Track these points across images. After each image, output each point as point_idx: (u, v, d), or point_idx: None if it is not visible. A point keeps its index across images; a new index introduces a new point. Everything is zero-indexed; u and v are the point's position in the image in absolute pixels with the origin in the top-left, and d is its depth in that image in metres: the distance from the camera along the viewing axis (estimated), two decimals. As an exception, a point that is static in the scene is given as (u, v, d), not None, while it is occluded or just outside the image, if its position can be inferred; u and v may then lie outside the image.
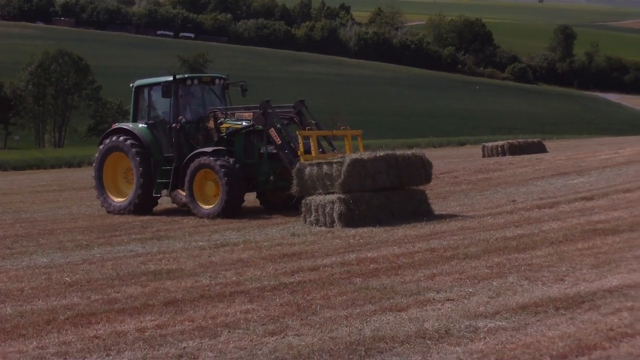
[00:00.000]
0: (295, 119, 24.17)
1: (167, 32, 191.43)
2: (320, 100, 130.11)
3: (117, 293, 13.83)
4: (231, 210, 23.12)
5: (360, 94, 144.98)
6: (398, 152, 21.77)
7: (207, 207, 23.47)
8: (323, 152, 23.37)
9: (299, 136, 22.51)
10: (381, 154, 21.27)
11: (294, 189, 21.45)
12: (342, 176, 20.32)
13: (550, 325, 10.57)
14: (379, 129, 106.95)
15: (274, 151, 23.34)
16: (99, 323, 11.92)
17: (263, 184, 23.97)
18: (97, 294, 13.85)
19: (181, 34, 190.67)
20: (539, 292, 12.32)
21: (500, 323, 10.77)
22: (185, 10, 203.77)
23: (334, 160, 20.90)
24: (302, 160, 21.82)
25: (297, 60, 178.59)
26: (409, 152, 21.91)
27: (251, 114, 23.88)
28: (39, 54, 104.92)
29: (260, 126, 23.62)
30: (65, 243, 19.76)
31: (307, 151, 22.28)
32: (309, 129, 23.19)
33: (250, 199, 25.10)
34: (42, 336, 11.39)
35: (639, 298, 11.60)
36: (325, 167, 20.84)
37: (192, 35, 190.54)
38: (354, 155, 20.93)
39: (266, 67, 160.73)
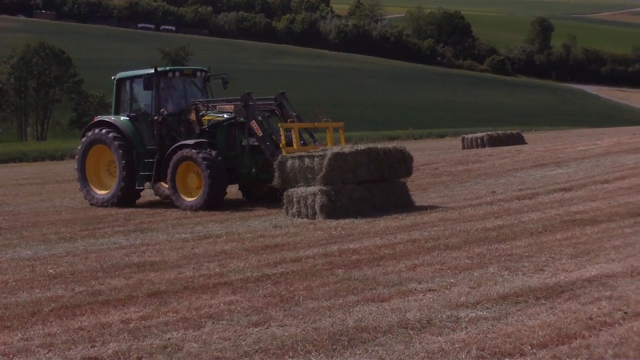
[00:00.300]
0: (277, 111, 24.24)
1: (148, 25, 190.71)
2: (301, 92, 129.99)
3: (101, 285, 13.88)
4: (213, 202, 23.18)
5: (340, 87, 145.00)
6: (379, 145, 21.88)
7: (190, 199, 23.52)
8: (305, 144, 23.46)
9: (280, 128, 22.60)
10: (362, 147, 21.37)
11: (276, 181, 21.53)
12: (324, 170, 20.41)
13: (530, 314, 10.70)
14: (359, 121, 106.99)
15: (256, 143, 23.41)
16: (83, 315, 11.97)
17: (245, 176, 24.04)
18: (81, 286, 13.90)
19: (162, 27, 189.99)
20: (519, 282, 12.46)
21: (482, 313, 10.90)
22: (166, 3, 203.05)
23: (316, 153, 20.99)
24: (284, 153, 21.92)
25: (277, 52, 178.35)
26: (390, 145, 22.02)
27: (232, 106, 23.92)
28: (20, 47, 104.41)
29: (241, 118, 23.68)
30: (49, 235, 19.77)
31: (289, 143, 22.37)
32: (290, 121, 23.26)
33: (232, 191, 25.17)
34: (27, 328, 11.43)
35: (617, 287, 11.76)
36: (307, 160, 20.93)
37: (173, 28, 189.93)
38: (336, 149, 21.02)
39: (247, 60, 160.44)
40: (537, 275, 12.89)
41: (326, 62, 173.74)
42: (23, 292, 13.64)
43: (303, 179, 20.96)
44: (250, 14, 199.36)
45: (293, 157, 21.28)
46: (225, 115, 24.19)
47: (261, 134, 22.95)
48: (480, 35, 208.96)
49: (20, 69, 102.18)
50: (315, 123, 24.81)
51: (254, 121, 23.07)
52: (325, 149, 21.45)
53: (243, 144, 23.84)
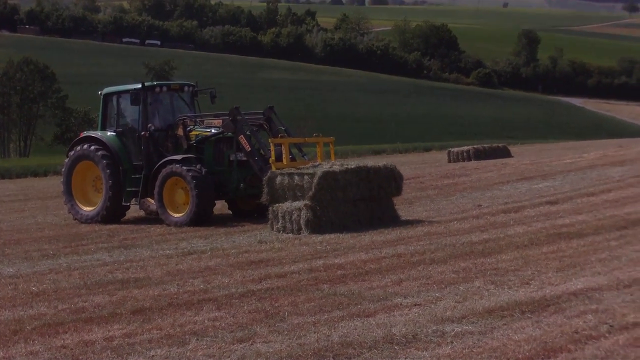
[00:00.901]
0: (265, 126, 24.19)
1: (133, 40, 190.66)
2: (287, 106, 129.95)
3: (85, 302, 13.80)
4: (201, 218, 23.08)
5: (326, 100, 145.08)
6: (369, 164, 21.85)
7: (177, 215, 23.39)
8: (293, 158, 23.40)
9: (270, 144, 22.54)
10: (352, 166, 21.32)
11: (264, 197, 21.43)
12: (313, 189, 20.31)
13: (516, 328, 10.68)
14: (346, 135, 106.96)
15: (244, 158, 23.34)
16: (66, 332, 11.90)
17: (233, 191, 23.93)
18: (64, 303, 13.82)
19: (147, 41, 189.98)
20: (505, 296, 12.44)
21: (467, 327, 10.87)
22: (151, 18, 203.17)
23: (306, 171, 20.89)
24: (273, 168, 21.84)
25: (263, 66, 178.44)
26: (380, 164, 21.97)
27: (220, 121, 23.84)
28: (3, 63, 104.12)
29: (229, 133, 23.59)
30: (32, 253, 19.66)
31: (279, 158, 22.26)
32: (281, 136, 23.20)
33: (217, 206, 25.08)
34: (9, 346, 11.36)
35: (603, 300, 11.74)
36: (296, 177, 20.84)
37: (159, 42, 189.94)
38: (326, 168, 20.91)
39: (233, 74, 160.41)
40: (523, 289, 12.87)
41: (312, 75, 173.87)
42: (5, 310, 13.56)
43: (292, 197, 20.86)
44: (235, 28, 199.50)
45: (282, 174, 21.17)
46: (212, 130, 24.12)
47: (249, 149, 22.88)
48: (466, 48, 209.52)
49: (4, 85, 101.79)
50: (306, 138, 24.70)
51: (242, 136, 22.99)
52: (315, 166, 21.37)
53: (231, 159, 23.75)
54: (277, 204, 20.98)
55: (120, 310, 13.02)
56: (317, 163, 22.00)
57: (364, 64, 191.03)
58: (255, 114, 24.65)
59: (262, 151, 22.94)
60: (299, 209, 20.41)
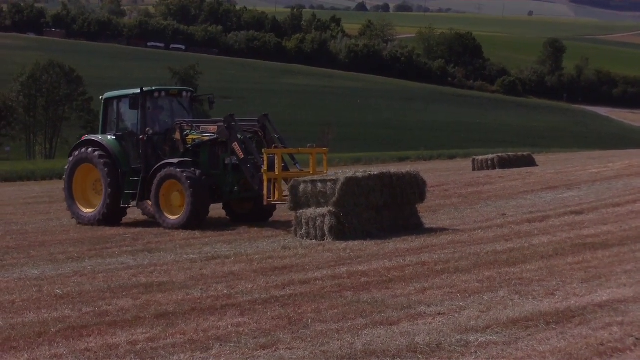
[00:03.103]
0: (260, 133, 24.41)
1: (158, 44, 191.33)
2: (311, 112, 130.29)
3: (109, 306, 13.83)
4: (196, 220, 23.43)
5: (350, 106, 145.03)
6: (393, 170, 21.83)
7: (173, 217, 23.73)
8: (286, 167, 23.63)
9: (264, 154, 22.67)
10: (376, 172, 21.33)
11: (289, 205, 21.55)
12: (337, 195, 20.33)
13: (540, 339, 10.61)
14: (369, 142, 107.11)
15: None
16: (90, 336, 11.92)
17: (227, 194, 24.33)
18: (88, 306, 13.86)
19: (172, 46, 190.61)
20: (530, 307, 12.36)
21: (491, 337, 10.81)
22: (176, 22, 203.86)
23: (328, 178, 20.96)
24: (265, 177, 22.28)
25: (287, 72, 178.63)
26: (403, 170, 21.95)
27: (215, 127, 24.09)
28: (30, 65, 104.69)
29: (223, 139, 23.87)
30: (57, 255, 19.74)
31: (271, 167, 22.45)
32: (275, 147, 23.42)
33: (218, 210, 25.18)
34: (34, 349, 11.39)
35: (629, 313, 11.65)
36: (319, 184, 20.86)
37: (183, 46, 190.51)
38: (349, 174, 20.97)
39: (257, 79, 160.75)
40: (548, 300, 12.80)
41: (336, 81, 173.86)
42: (30, 312, 13.60)
43: (315, 204, 20.87)
44: (260, 34, 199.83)
45: (305, 181, 21.27)
46: (208, 136, 24.42)
47: (242, 156, 23.22)
48: (491, 56, 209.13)
49: (30, 87, 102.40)
50: (299, 148, 24.91)
51: (235, 143, 23.34)
52: (337, 173, 21.45)
53: (226, 162, 24.12)
54: (301, 210, 20.99)
55: (144, 314, 13.04)
56: (339, 171, 22.07)
57: (388, 71, 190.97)
58: (250, 122, 24.93)
59: (255, 158, 23.10)
60: (323, 216, 20.40)
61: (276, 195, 22.51)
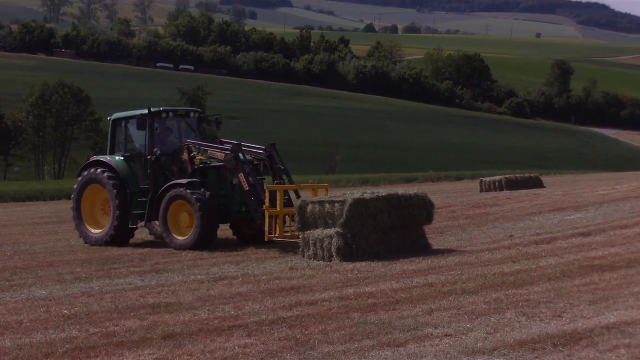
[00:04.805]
0: (266, 162, 24.43)
1: (166, 64, 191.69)
2: (319, 133, 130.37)
3: (116, 326, 13.86)
4: (205, 241, 23.49)
5: (358, 127, 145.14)
6: (400, 192, 21.86)
7: (181, 238, 23.77)
8: (289, 201, 23.71)
9: (266, 190, 22.72)
10: (383, 193, 21.38)
11: (296, 226, 21.59)
12: (344, 216, 20.38)
13: (548, 362, 10.61)
14: (377, 162, 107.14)
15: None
16: (97, 356, 11.95)
17: (235, 214, 24.34)
18: (95, 327, 13.88)
19: (181, 66, 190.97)
20: (537, 329, 12.37)
21: (498, 359, 10.81)
22: (185, 43, 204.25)
23: (336, 199, 20.99)
24: (266, 214, 22.37)
25: (295, 93, 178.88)
26: (411, 192, 21.99)
27: (223, 154, 24.05)
28: (39, 85, 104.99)
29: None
30: (64, 275, 19.78)
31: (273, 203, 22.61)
32: (277, 182, 23.52)
33: (225, 231, 25.19)
34: (41, 369, 11.41)
35: (636, 335, 11.64)
36: (327, 205, 20.92)
37: (192, 67, 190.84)
38: (357, 195, 21.01)
39: (265, 100, 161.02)
40: (555, 322, 12.79)
41: (344, 102, 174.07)
42: (37, 332, 13.63)
43: (323, 225, 20.90)
44: (268, 54, 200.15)
45: (313, 202, 21.33)
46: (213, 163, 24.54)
47: (247, 188, 23.21)
48: (499, 77, 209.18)
49: (39, 107, 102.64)
50: (302, 184, 25.01)
51: (242, 174, 23.39)
52: (345, 194, 21.50)
53: (234, 183, 24.11)
54: (309, 231, 21.01)
55: (151, 335, 13.06)
56: (348, 192, 22.08)
57: (396, 92, 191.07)
58: (257, 149, 24.87)
59: (258, 191, 23.13)
60: (330, 237, 20.43)
61: (277, 232, 22.52)
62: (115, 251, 24.13)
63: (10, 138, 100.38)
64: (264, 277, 18.29)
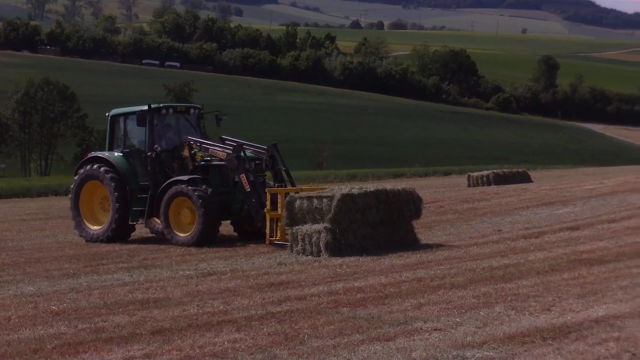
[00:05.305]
0: (268, 163, 24.31)
1: (152, 61, 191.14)
2: (306, 129, 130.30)
3: (105, 322, 13.82)
4: (207, 238, 23.36)
5: (345, 123, 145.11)
6: (388, 187, 21.85)
7: (183, 235, 23.66)
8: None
9: (267, 193, 22.65)
10: (371, 189, 21.37)
11: (284, 221, 21.55)
12: (332, 211, 20.37)
13: (537, 355, 10.62)
14: (364, 158, 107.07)
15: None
16: (86, 352, 11.91)
17: (237, 211, 24.22)
18: (84, 322, 13.84)
19: (167, 63, 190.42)
20: (526, 322, 12.38)
21: (488, 353, 10.82)
22: (170, 40, 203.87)
23: (324, 194, 20.97)
24: (267, 217, 22.24)
25: (282, 89, 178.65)
26: (399, 187, 21.99)
27: (224, 154, 23.91)
28: (24, 83, 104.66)
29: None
30: (52, 272, 19.72)
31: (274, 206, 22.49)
32: (278, 186, 23.52)
33: (225, 227, 25.15)
34: (30, 365, 11.37)
35: (625, 328, 11.66)
36: (315, 201, 20.90)
37: (178, 64, 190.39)
38: (344, 190, 20.99)
39: (251, 96, 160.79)
40: (544, 315, 12.81)
41: (331, 99, 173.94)
42: (26, 328, 13.58)
43: (311, 220, 20.88)
44: (255, 51, 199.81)
45: (302, 198, 21.28)
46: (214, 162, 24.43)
47: (249, 190, 23.11)
48: (485, 73, 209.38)
49: (25, 104, 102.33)
50: (303, 187, 24.80)
51: (243, 175, 23.29)
52: (333, 190, 21.48)
53: (235, 179, 23.95)
54: (297, 227, 20.99)
55: (140, 330, 13.03)
56: (336, 188, 22.06)
57: (383, 88, 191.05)
58: (259, 148, 24.72)
59: (259, 193, 23.02)
60: (319, 232, 20.41)
61: (278, 235, 22.38)
62: (104, 247, 24.07)
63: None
64: (252, 273, 18.27)
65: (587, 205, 28.77)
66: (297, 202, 21.25)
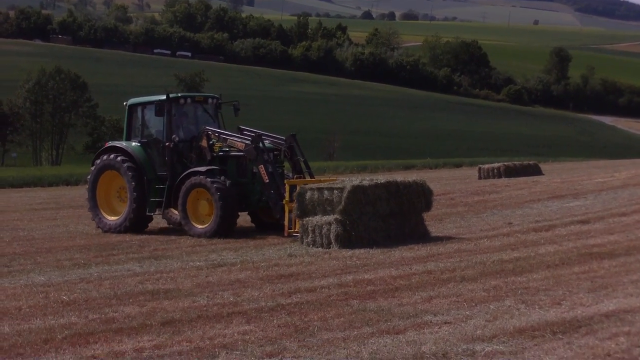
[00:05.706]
0: (286, 153, 24.21)
1: (164, 51, 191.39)
2: (317, 120, 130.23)
3: (115, 312, 13.84)
4: (225, 229, 23.21)
5: (356, 114, 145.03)
6: (399, 179, 21.81)
7: (201, 226, 23.54)
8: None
9: (286, 184, 22.59)
10: (382, 181, 21.33)
11: (295, 212, 21.52)
12: (343, 202, 20.34)
13: (547, 349, 10.60)
14: (375, 150, 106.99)
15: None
16: (96, 342, 11.93)
17: (255, 203, 24.12)
18: (94, 313, 13.87)
19: (178, 53, 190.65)
20: (536, 316, 12.36)
21: (498, 347, 10.80)
22: (182, 29, 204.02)
23: (335, 186, 20.94)
24: (286, 208, 22.13)
25: (293, 79, 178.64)
26: (410, 179, 21.94)
27: (243, 145, 23.78)
28: (36, 72, 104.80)
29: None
30: (63, 261, 19.76)
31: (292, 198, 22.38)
32: (297, 177, 23.38)
33: (242, 218, 25.15)
34: (40, 355, 11.40)
35: (635, 323, 11.64)
36: (326, 192, 20.87)
37: (189, 54, 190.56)
38: (355, 182, 20.96)
39: (262, 87, 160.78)
40: (554, 309, 12.79)
41: (342, 89, 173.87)
42: (36, 318, 13.61)
43: (322, 211, 20.86)
44: (266, 41, 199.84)
45: (312, 189, 21.25)
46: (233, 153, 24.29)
47: (267, 181, 23.03)
48: (497, 64, 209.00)
49: (36, 93, 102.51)
50: (321, 178, 24.67)
51: (262, 166, 23.16)
52: (344, 181, 21.46)
53: (254, 171, 23.84)
54: (308, 218, 20.98)
55: (150, 321, 13.04)
56: (347, 180, 22.03)
57: (394, 79, 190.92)
58: (277, 139, 24.60)
59: (278, 184, 22.96)
60: (329, 223, 20.40)
61: (296, 226, 22.22)
62: (114, 237, 24.10)
63: (8, 124, 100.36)
64: (262, 264, 18.28)
65: (598, 199, 28.72)
66: (308, 194, 21.23)
